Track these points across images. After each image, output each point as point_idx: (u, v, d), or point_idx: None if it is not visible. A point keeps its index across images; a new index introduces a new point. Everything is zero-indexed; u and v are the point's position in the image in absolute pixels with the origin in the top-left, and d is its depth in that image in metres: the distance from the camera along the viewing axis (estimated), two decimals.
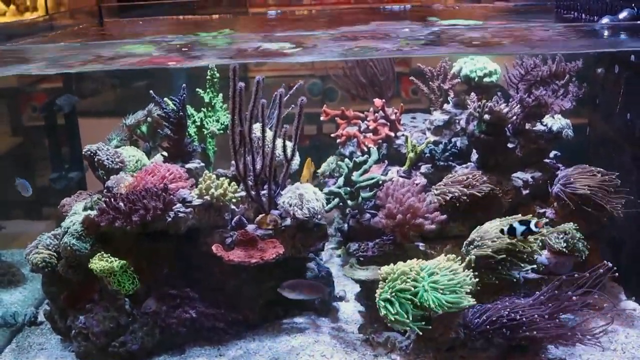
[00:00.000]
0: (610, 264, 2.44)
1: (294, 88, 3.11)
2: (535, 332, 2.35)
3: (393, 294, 2.37)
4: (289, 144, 2.73)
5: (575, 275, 2.46)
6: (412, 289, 2.36)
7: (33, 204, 4.12)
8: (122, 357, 2.59)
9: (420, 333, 2.36)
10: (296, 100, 2.62)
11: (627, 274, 2.96)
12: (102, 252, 2.60)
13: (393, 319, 2.36)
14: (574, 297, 2.39)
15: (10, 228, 3.95)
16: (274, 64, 3.95)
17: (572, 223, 2.73)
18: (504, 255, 2.51)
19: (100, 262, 2.55)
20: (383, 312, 2.38)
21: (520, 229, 2.45)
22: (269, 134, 2.68)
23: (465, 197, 2.75)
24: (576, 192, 2.75)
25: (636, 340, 2.60)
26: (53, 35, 3.42)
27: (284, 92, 2.66)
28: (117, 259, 2.58)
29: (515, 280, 2.58)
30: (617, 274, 2.46)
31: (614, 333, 2.63)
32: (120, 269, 2.56)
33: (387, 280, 2.43)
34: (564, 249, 2.66)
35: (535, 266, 2.65)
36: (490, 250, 2.50)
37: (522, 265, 2.57)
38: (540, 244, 2.60)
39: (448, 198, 2.75)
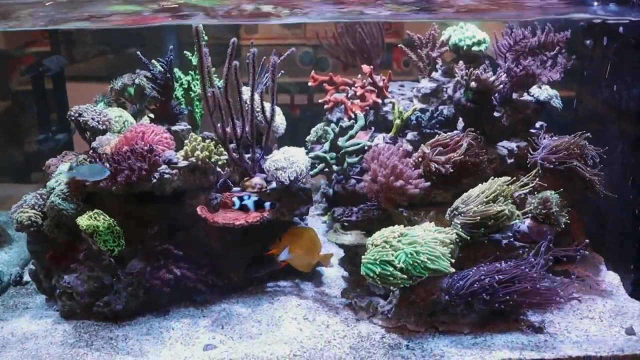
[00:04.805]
0: None
1: (285, 55, 3.09)
2: (515, 295, 2.38)
3: (376, 259, 2.39)
4: (268, 105, 2.72)
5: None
6: (395, 252, 2.38)
7: (20, 167, 4.12)
8: (106, 316, 2.61)
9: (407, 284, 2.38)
10: (287, 68, 2.62)
11: (609, 245, 3.00)
12: (90, 211, 2.60)
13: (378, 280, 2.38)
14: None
15: None
16: (265, 32, 3.92)
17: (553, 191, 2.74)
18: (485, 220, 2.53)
19: (87, 220, 2.55)
20: (369, 273, 2.40)
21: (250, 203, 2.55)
22: (247, 95, 2.68)
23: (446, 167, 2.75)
24: (560, 158, 2.76)
25: (614, 309, 2.63)
26: None
27: (256, 52, 2.68)
28: (104, 218, 2.58)
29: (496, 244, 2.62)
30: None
31: (592, 302, 2.67)
32: (106, 228, 2.57)
33: (371, 246, 2.45)
34: (543, 218, 2.68)
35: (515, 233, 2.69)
36: (471, 214, 2.53)
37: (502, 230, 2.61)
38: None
39: (433, 169, 2.75)
